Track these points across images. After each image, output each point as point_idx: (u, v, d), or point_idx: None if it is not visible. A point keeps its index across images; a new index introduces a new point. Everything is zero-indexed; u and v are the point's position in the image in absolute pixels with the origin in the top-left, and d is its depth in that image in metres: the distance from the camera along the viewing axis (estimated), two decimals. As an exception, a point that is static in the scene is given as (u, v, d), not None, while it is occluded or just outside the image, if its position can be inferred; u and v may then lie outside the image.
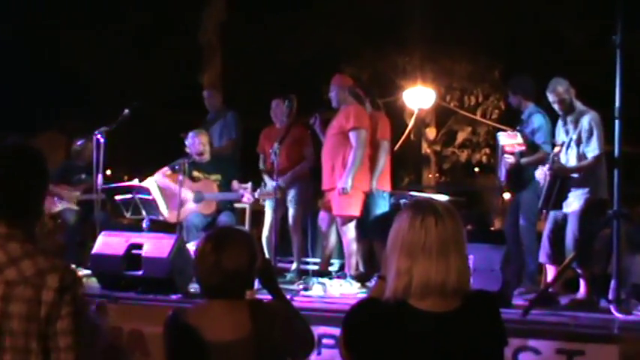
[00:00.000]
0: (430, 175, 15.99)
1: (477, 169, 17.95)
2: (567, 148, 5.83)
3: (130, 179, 7.72)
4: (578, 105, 5.84)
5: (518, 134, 6.25)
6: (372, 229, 6.73)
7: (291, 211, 7.36)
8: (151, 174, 7.39)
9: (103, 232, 6.24)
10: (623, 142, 5.20)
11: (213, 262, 2.72)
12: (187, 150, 7.58)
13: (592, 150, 5.70)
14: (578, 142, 5.76)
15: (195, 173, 7.41)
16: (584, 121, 5.72)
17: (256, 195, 7.04)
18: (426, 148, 15.79)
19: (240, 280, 2.76)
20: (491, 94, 14.99)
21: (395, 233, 2.45)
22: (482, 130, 15.47)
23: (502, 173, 6.52)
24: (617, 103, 5.13)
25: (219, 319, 2.70)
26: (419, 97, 12.79)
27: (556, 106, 5.90)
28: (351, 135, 6.62)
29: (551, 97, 5.89)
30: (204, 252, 2.76)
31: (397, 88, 13.55)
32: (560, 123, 5.99)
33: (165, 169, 7.54)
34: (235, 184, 7.34)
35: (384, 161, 6.87)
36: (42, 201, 2.41)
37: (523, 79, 6.71)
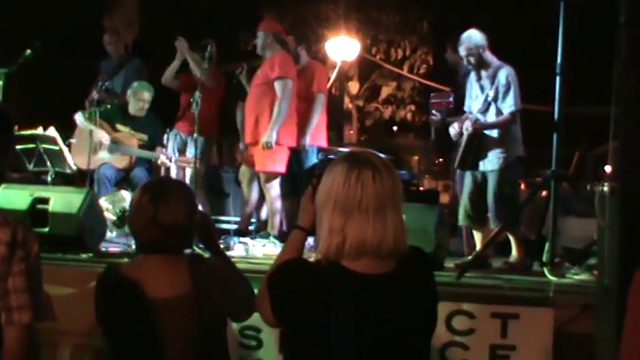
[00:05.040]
0: (351, 132, 16.05)
1: (395, 128, 18.06)
2: (484, 105, 5.90)
3: (20, 129, 7.52)
4: (494, 60, 5.91)
5: (452, 95, 6.34)
6: (300, 186, 6.80)
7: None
8: (52, 124, 7.24)
9: (2, 185, 6.10)
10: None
11: (151, 215, 2.71)
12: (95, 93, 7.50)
13: (508, 106, 5.80)
14: (495, 99, 5.85)
15: (120, 127, 7.33)
16: (501, 77, 5.81)
17: (172, 160, 7.08)
18: (348, 103, 15.83)
19: (179, 235, 2.76)
20: (419, 48, 15.09)
21: (327, 188, 2.36)
22: (408, 85, 15.55)
23: (432, 132, 6.64)
24: (558, 59, 5.31)
25: (157, 275, 2.70)
26: (342, 48, 12.76)
27: (471, 59, 5.91)
28: (276, 85, 6.59)
29: (462, 51, 5.93)
30: (141, 204, 2.74)
31: (320, 38, 13.48)
32: (473, 77, 6.05)
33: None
34: (159, 150, 7.30)
35: (319, 116, 6.92)
36: None
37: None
